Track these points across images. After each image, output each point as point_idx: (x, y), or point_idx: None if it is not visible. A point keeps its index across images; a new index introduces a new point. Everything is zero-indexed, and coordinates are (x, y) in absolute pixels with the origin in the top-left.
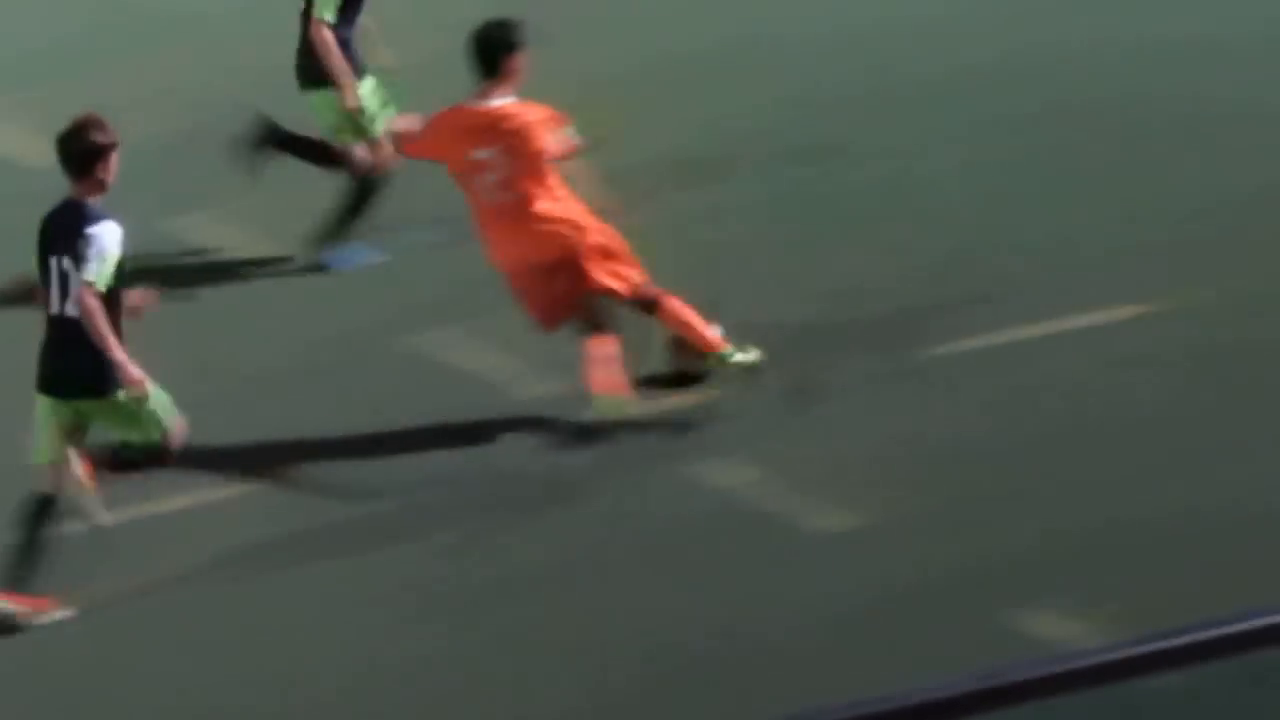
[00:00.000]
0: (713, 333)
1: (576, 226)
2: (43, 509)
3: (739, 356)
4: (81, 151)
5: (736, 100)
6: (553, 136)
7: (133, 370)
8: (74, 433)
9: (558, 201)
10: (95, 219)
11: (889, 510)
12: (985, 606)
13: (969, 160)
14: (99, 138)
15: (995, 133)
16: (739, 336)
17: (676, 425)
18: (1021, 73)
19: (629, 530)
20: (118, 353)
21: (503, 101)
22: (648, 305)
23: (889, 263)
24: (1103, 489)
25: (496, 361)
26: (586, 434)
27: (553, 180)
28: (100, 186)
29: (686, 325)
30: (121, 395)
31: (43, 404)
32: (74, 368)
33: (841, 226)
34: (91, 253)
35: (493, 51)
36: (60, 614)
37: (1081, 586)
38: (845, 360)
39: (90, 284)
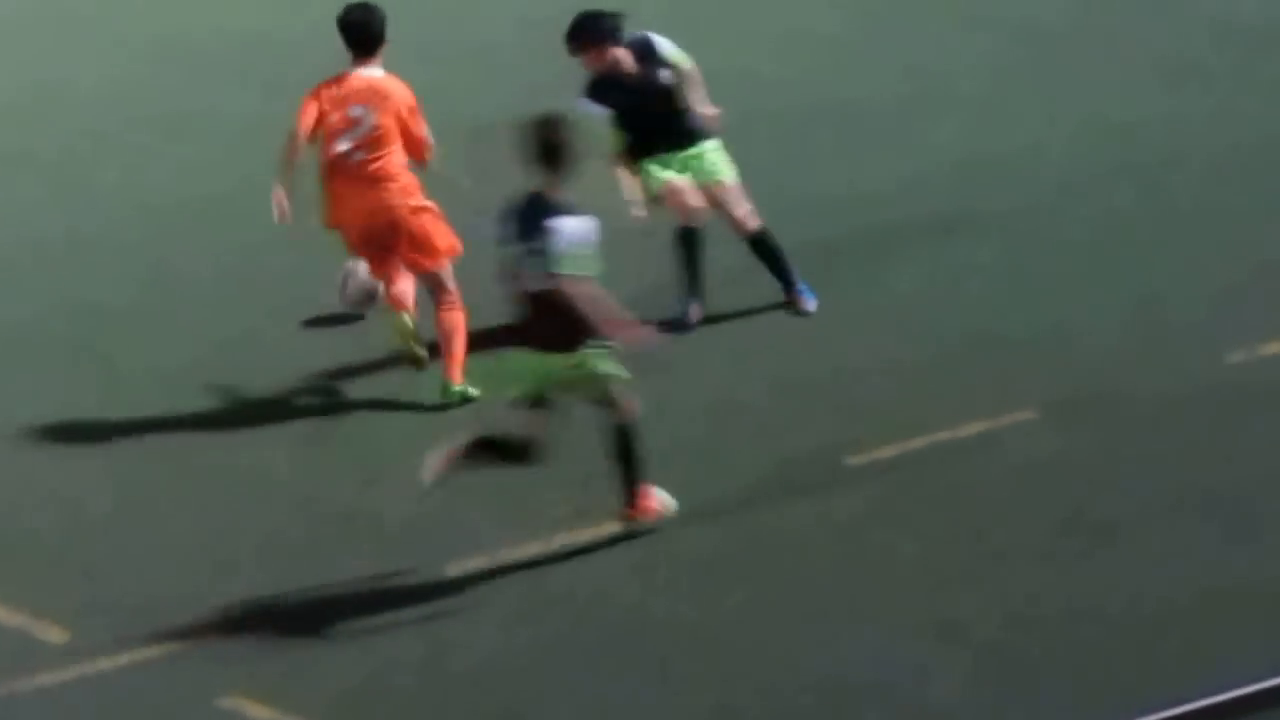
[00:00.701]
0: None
1: (412, 195)
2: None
3: (466, 390)
4: (553, 146)
5: None
6: (417, 118)
7: (636, 331)
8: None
9: (401, 170)
10: (559, 213)
11: None
12: None
13: None
14: (568, 136)
15: None
16: None
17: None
18: None
19: None
20: (618, 327)
21: (381, 73)
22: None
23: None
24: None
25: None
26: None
27: (399, 152)
28: (563, 181)
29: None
30: (584, 355)
31: (519, 363)
32: (545, 332)
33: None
34: (560, 247)
35: (368, 33)
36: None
37: None
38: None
39: (564, 276)
